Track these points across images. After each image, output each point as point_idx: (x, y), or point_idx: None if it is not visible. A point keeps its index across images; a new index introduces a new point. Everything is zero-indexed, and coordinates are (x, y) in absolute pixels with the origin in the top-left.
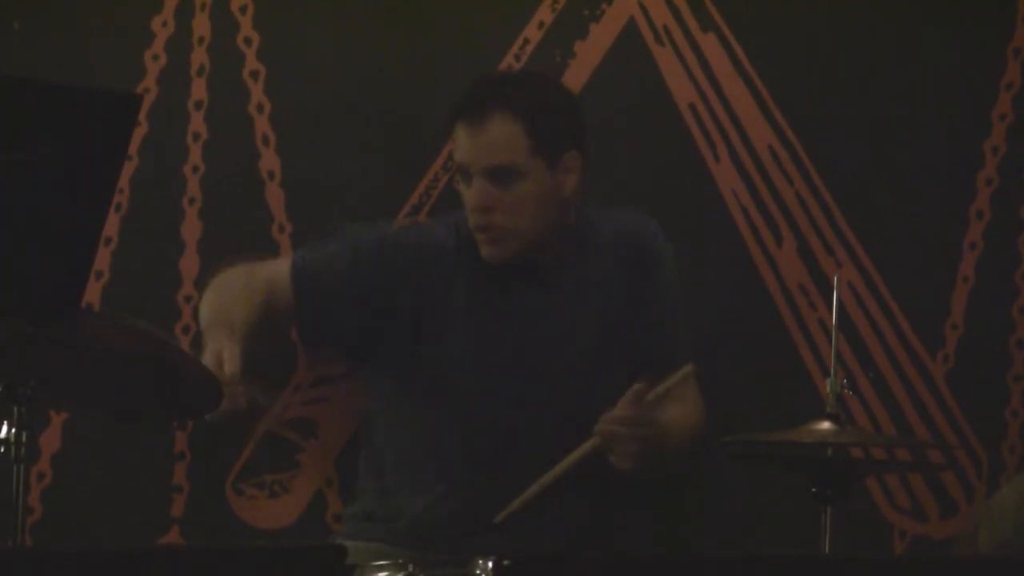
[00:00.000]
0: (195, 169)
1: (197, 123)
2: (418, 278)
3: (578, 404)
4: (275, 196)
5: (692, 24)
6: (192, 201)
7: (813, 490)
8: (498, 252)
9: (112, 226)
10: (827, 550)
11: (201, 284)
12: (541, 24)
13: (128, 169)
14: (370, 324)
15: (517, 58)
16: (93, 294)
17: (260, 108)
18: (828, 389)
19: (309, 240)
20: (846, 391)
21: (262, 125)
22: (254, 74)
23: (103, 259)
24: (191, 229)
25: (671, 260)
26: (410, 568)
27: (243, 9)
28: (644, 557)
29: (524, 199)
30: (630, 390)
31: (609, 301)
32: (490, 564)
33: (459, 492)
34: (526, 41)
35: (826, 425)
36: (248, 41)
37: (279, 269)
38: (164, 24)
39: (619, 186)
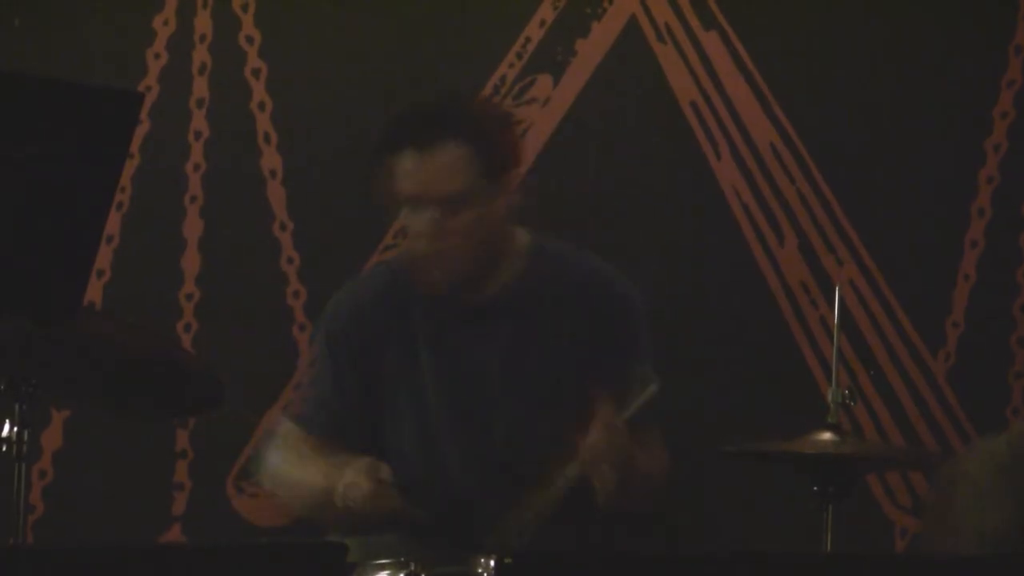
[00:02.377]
0: (196, 167)
1: (199, 121)
2: (376, 345)
3: (528, 439)
4: (276, 194)
5: (694, 22)
6: (193, 199)
7: (814, 488)
8: (444, 277)
9: (113, 224)
10: (828, 548)
11: (202, 282)
12: (543, 22)
13: (129, 167)
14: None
15: (519, 56)
16: (95, 292)
17: (262, 106)
18: (830, 399)
19: (309, 240)
20: (848, 402)
21: (263, 123)
22: (255, 72)
23: (104, 257)
24: (192, 227)
25: (640, 311)
26: (412, 567)
27: (244, 7)
28: (643, 555)
29: (470, 222)
30: (599, 414)
31: (565, 342)
32: (491, 562)
33: (432, 515)
34: (527, 39)
35: (827, 435)
36: (250, 39)
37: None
38: (165, 22)
39: (621, 183)
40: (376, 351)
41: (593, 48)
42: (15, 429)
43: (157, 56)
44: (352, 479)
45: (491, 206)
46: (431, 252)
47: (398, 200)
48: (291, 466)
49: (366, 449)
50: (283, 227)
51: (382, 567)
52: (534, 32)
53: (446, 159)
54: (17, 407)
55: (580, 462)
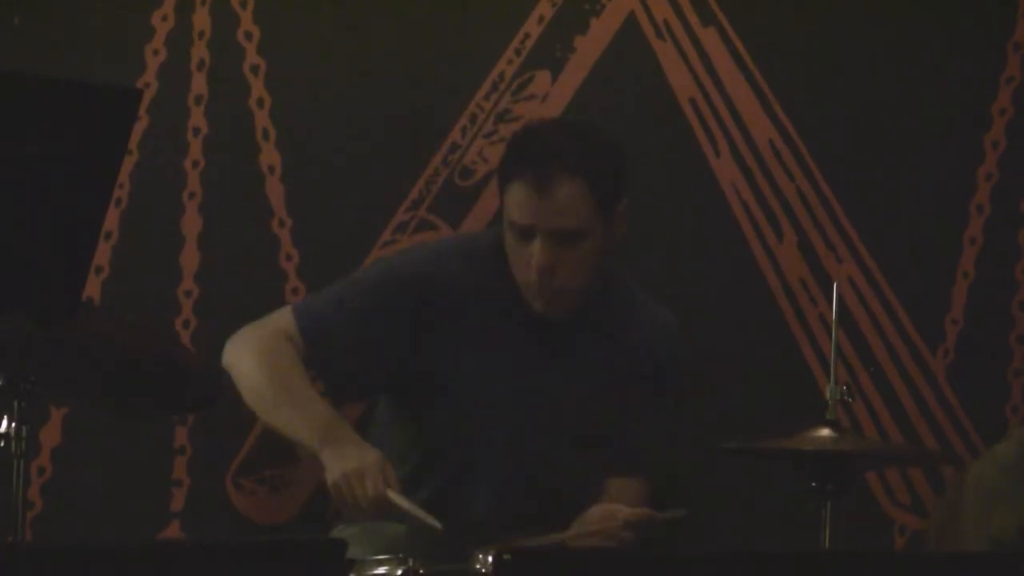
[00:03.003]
0: (195, 164)
1: (197, 118)
2: (427, 313)
3: (560, 463)
4: (275, 191)
5: (693, 19)
6: (192, 196)
7: (813, 485)
8: (556, 310)
9: (112, 221)
10: (827, 545)
11: (201, 279)
12: (541, 19)
13: (128, 164)
14: (387, 361)
15: (518, 52)
16: (93, 289)
17: (260, 103)
18: (828, 396)
19: (308, 237)
20: (847, 398)
21: (262, 120)
22: (254, 69)
23: (103, 254)
24: (191, 224)
25: (686, 371)
26: (410, 563)
27: (243, 4)
28: (643, 553)
29: (586, 256)
30: (626, 516)
31: (619, 381)
32: (490, 558)
33: (450, 509)
34: (526, 36)
35: (826, 432)
36: (248, 36)
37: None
38: (164, 19)
39: None
40: (426, 321)
41: (592, 45)
42: (14, 425)
43: (156, 52)
44: (356, 466)
45: (602, 238)
46: (543, 284)
47: (509, 226)
48: (264, 366)
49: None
50: (282, 224)
51: (381, 563)
52: (533, 28)
53: (562, 195)
54: (16, 404)
55: (571, 536)
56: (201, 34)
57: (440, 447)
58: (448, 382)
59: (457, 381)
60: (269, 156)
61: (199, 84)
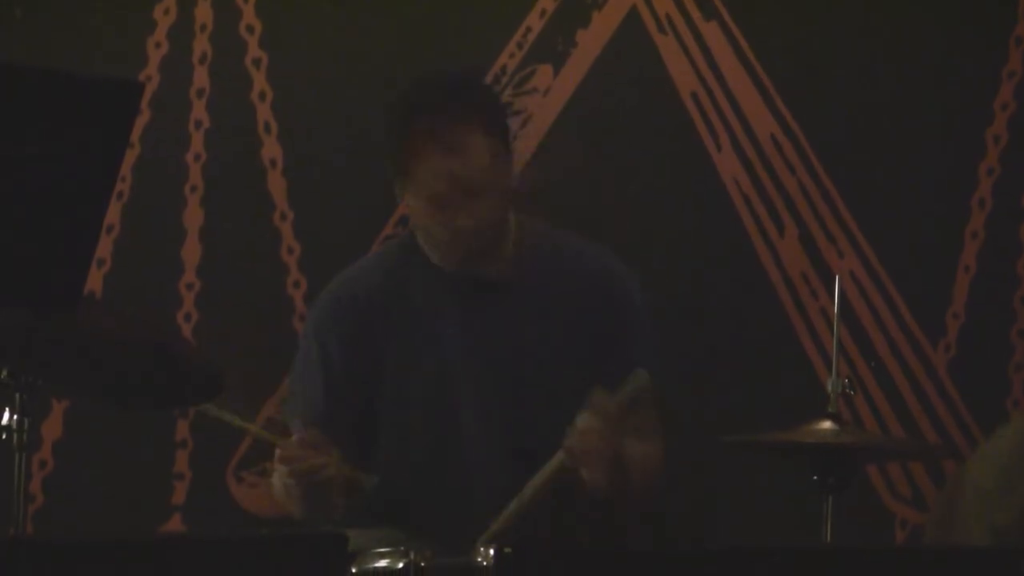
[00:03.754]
0: (197, 157)
1: (199, 111)
2: (370, 331)
3: (536, 418)
4: (277, 184)
5: (694, 13)
6: (194, 189)
7: (814, 479)
8: (455, 257)
9: (114, 214)
10: (828, 539)
11: (203, 272)
12: (543, 13)
13: (130, 157)
14: (371, 387)
15: (520, 46)
16: (95, 282)
17: (262, 96)
18: (829, 389)
19: (309, 231)
20: (848, 392)
21: (264, 113)
22: (256, 62)
23: (105, 247)
24: (193, 217)
25: (636, 290)
26: (412, 555)
27: None
28: (643, 549)
29: (484, 197)
30: (589, 402)
31: (569, 322)
32: (491, 552)
33: (426, 499)
34: (528, 30)
35: (827, 425)
36: (250, 29)
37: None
38: (166, 12)
39: (621, 175)
40: (373, 335)
41: (593, 38)
42: (15, 418)
43: (158, 45)
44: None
45: (502, 181)
46: (447, 231)
47: (424, 199)
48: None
49: (361, 437)
50: (283, 217)
51: (381, 556)
52: (535, 22)
53: (474, 153)
54: (18, 396)
55: (567, 448)
56: (203, 27)
57: (429, 443)
58: (416, 379)
59: (425, 377)
60: (271, 150)
61: (201, 77)
